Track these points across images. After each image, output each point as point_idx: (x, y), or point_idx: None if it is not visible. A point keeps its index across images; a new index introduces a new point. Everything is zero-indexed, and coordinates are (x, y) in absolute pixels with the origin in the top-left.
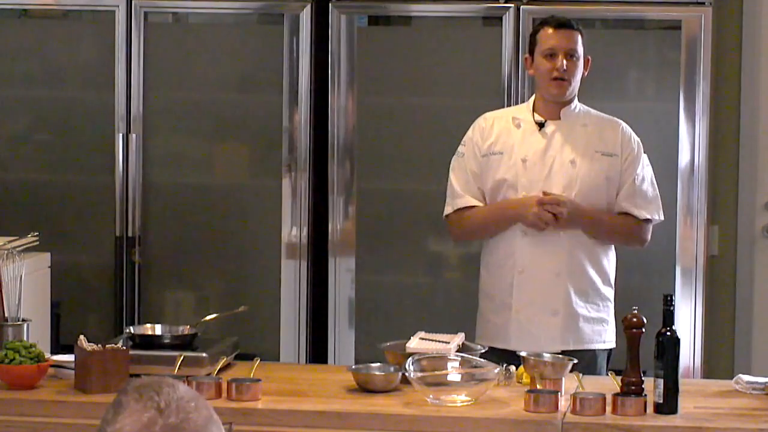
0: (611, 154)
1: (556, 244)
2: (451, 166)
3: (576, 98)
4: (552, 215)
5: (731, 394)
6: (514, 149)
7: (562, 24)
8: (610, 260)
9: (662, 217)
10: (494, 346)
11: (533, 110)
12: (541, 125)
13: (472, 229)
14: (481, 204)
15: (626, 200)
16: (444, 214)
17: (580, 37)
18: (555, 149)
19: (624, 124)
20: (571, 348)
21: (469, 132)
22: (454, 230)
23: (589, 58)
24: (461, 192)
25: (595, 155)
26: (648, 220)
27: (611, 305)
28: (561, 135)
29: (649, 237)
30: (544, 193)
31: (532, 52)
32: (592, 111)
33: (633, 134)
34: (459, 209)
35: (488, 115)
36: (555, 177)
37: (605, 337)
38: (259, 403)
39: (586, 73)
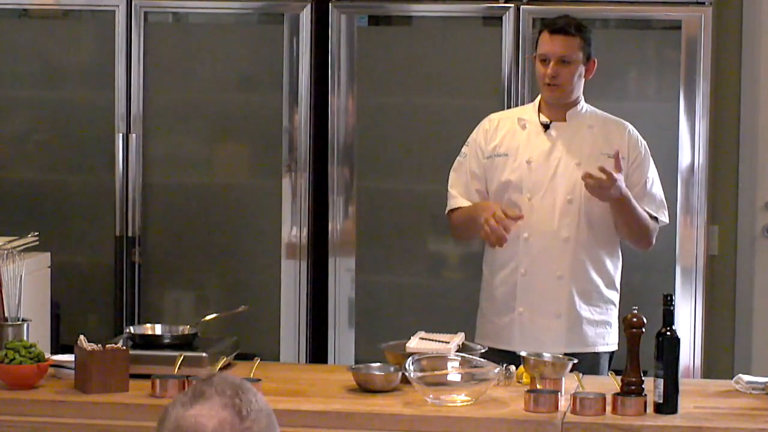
0: None
1: (558, 246)
2: (453, 166)
3: (582, 99)
4: (504, 233)
5: (731, 394)
6: (518, 151)
7: (558, 29)
8: (614, 263)
9: (668, 220)
10: (496, 347)
11: (539, 111)
12: (546, 126)
13: (457, 229)
14: None
15: (638, 202)
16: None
17: (578, 41)
18: (560, 151)
19: (630, 127)
20: (575, 351)
21: (474, 133)
22: (450, 230)
23: (595, 60)
24: (455, 193)
25: (600, 157)
26: (656, 220)
27: (615, 308)
28: (566, 137)
29: (654, 240)
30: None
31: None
32: (599, 112)
33: (639, 136)
34: (453, 209)
35: (494, 116)
36: (560, 179)
37: (608, 339)
38: None
39: (590, 76)
